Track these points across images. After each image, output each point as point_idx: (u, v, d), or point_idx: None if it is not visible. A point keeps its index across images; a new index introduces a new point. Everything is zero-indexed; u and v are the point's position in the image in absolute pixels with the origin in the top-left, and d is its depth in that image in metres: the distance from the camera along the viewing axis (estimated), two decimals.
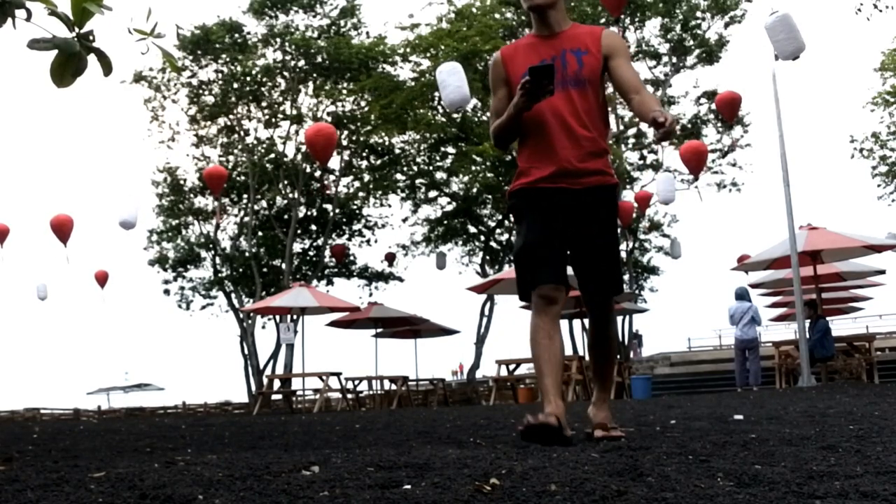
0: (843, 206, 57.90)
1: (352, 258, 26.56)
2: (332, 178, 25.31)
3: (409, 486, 1.76)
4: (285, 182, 24.97)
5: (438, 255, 23.26)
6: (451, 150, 23.89)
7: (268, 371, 23.36)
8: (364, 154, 25.46)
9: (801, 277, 11.57)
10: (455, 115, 21.86)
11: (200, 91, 24.68)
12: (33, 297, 22.14)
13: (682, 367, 22.08)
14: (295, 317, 16.51)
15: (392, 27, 26.21)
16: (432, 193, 25.52)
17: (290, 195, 25.07)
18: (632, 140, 24.30)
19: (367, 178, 25.49)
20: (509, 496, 1.65)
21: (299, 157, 24.62)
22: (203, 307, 26.51)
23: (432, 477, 1.88)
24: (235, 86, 24.34)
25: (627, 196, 22.16)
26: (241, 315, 24.43)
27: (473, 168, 22.45)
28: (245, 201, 25.58)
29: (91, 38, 2.58)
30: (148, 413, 21.76)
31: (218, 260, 26.00)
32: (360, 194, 25.88)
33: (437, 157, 24.52)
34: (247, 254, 25.33)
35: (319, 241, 26.19)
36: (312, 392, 16.71)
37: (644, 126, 19.14)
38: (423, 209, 25.85)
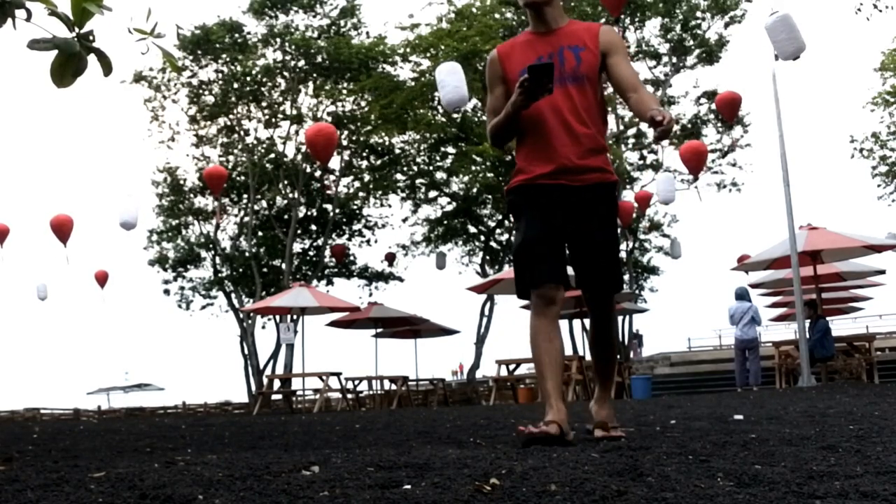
0: (843, 206, 57.96)
1: (352, 258, 26.57)
2: (332, 178, 25.32)
3: (409, 486, 1.76)
4: (285, 182, 24.97)
5: (438, 255, 23.26)
6: (451, 150, 23.90)
7: (268, 371, 23.37)
8: (364, 154, 25.47)
9: (801, 277, 11.57)
10: (455, 115, 21.86)
11: (200, 91, 24.69)
12: (33, 297, 22.16)
13: (682, 367, 22.08)
14: (295, 317, 16.51)
15: (392, 27, 26.24)
16: (432, 193, 25.53)
17: (290, 195, 25.07)
18: (632, 140, 24.31)
19: (367, 178, 25.50)
20: (509, 496, 1.65)
21: (299, 157, 24.63)
22: (203, 307, 26.54)
23: (432, 477, 1.88)
24: (235, 86, 24.35)
25: (627, 196, 22.16)
26: (241, 315, 24.43)
27: (473, 168, 22.46)
28: (245, 201, 25.59)
29: (91, 38, 2.59)
30: (148, 413, 21.75)
31: (218, 260, 26.01)
32: (361, 194, 25.89)
33: (437, 157, 24.53)
34: (247, 254, 25.33)
35: (319, 241, 26.19)
36: (312, 392, 16.72)
37: (644, 126, 19.14)
38: (423, 209, 25.88)
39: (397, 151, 24.62)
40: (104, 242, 40.56)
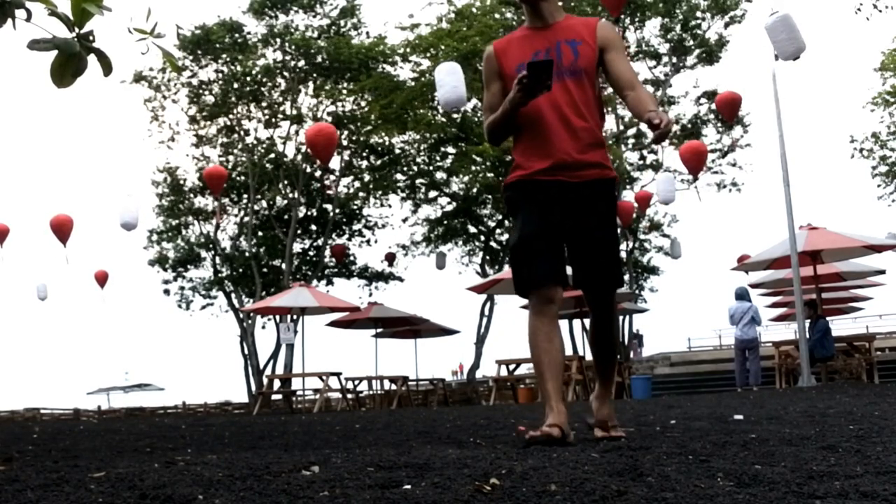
0: (843, 206, 57.96)
1: (352, 258, 26.57)
2: (332, 178, 25.33)
3: (409, 486, 1.76)
4: (285, 182, 24.97)
5: (438, 255, 23.26)
6: (451, 150, 23.90)
7: (268, 371, 23.37)
8: (364, 154, 25.47)
9: (801, 277, 11.57)
10: (455, 115, 21.86)
11: (200, 91, 24.69)
12: (33, 297, 22.16)
13: (682, 367, 22.08)
14: (295, 317, 16.51)
15: (392, 27, 26.24)
16: (432, 193, 25.53)
17: (290, 195, 25.08)
18: (631, 140, 24.31)
19: (367, 178, 25.50)
20: (509, 496, 1.65)
21: (299, 157, 24.63)
22: (203, 307, 26.54)
23: (432, 477, 1.88)
24: (235, 86, 24.36)
25: (627, 196, 22.16)
26: (241, 315, 24.43)
27: (473, 168, 22.47)
28: (245, 201, 25.59)
29: (91, 38, 2.59)
30: (148, 413, 21.75)
31: (218, 260, 26.01)
32: (361, 194, 25.89)
33: (437, 157, 24.53)
34: (247, 254, 25.33)
35: (319, 241, 26.20)
36: (312, 392, 16.72)
37: (644, 126, 19.13)
38: (423, 209, 25.88)
39: (397, 151, 24.63)
40: (104, 242, 40.59)
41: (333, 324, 17.73)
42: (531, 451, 2.56)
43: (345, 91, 24.30)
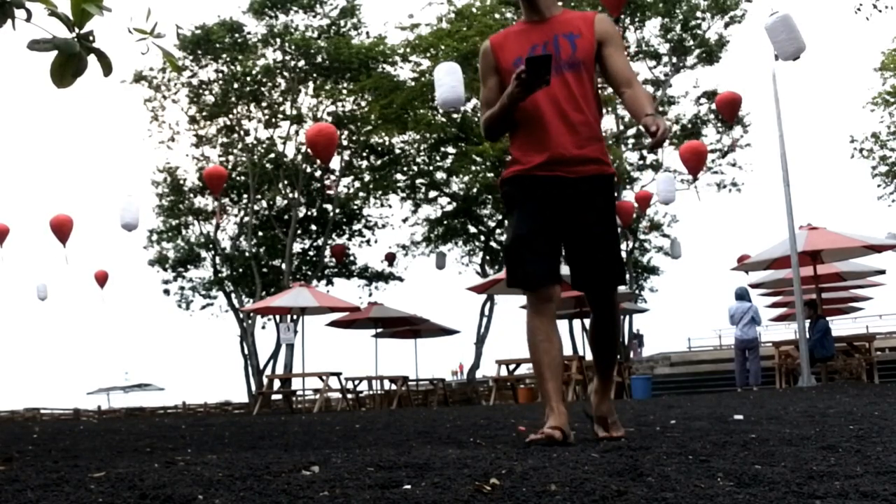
0: (843, 206, 57.96)
1: (352, 258, 26.57)
2: (333, 178, 25.33)
3: (409, 486, 1.76)
4: (285, 182, 24.97)
5: (438, 255, 23.26)
6: (451, 150, 23.90)
7: (268, 371, 23.37)
8: (364, 154, 25.47)
9: (801, 277, 11.57)
10: (455, 115, 21.86)
11: (200, 91, 24.69)
12: (33, 297, 22.17)
13: (682, 367, 22.08)
14: (295, 317, 16.51)
15: (392, 27, 26.26)
16: (432, 193, 25.53)
17: (290, 195, 25.08)
18: (631, 140, 24.31)
19: (367, 178, 25.50)
20: (509, 496, 1.65)
21: (299, 157, 24.63)
22: (203, 307, 26.54)
23: (432, 477, 1.88)
24: (235, 86, 24.36)
25: (627, 196, 22.16)
26: (241, 315, 24.43)
27: (473, 168, 22.46)
28: (245, 201, 25.60)
29: (91, 38, 2.59)
30: (148, 413, 21.75)
31: (218, 260, 26.01)
32: (361, 194, 25.89)
33: (437, 157, 24.53)
34: (247, 254, 25.34)
35: (319, 241, 26.20)
36: (312, 392, 16.72)
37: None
38: (423, 209, 25.88)
39: (397, 151, 24.63)
40: (104, 242, 40.61)
41: (333, 324, 17.73)
42: (531, 451, 2.56)
43: (345, 91, 24.30)
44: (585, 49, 3.07)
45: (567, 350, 18.98)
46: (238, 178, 25.19)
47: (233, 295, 25.59)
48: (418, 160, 24.83)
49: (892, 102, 25.67)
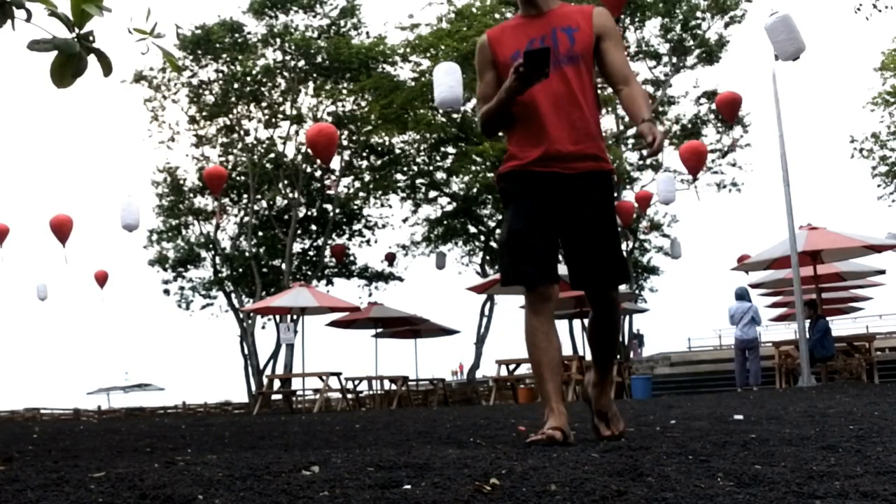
0: (843, 206, 57.94)
1: (352, 258, 26.58)
2: (333, 177, 25.33)
3: (409, 486, 1.76)
4: (285, 182, 24.98)
5: (438, 255, 23.27)
6: (451, 150, 23.90)
7: (268, 371, 23.37)
8: (364, 154, 25.47)
9: (801, 277, 11.57)
10: (455, 115, 21.87)
11: (200, 91, 24.69)
12: (33, 297, 22.18)
13: (682, 367, 22.08)
14: (295, 317, 16.51)
15: (392, 27, 26.25)
16: (432, 193, 25.53)
17: (290, 195, 25.08)
18: (631, 140, 24.31)
19: (367, 178, 25.51)
20: (509, 496, 1.65)
21: (299, 157, 24.64)
22: (203, 307, 26.55)
23: (432, 477, 1.88)
24: (235, 86, 24.36)
25: (627, 196, 22.17)
26: (241, 315, 24.43)
27: (473, 168, 22.47)
28: (245, 201, 25.60)
29: (91, 38, 2.59)
30: (148, 413, 21.75)
31: (218, 260, 26.01)
32: (361, 194, 25.90)
33: (437, 157, 24.53)
34: (247, 254, 25.34)
35: (319, 241, 26.20)
36: (312, 392, 16.72)
37: None
38: (423, 209, 25.89)
39: (397, 151, 24.63)
40: (104, 242, 40.61)
41: (333, 324, 17.73)
42: (531, 451, 2.56)
43: (345, 91, 24.30)
44: (584, 43, 3.04)
45: (567, 350, 18.98)
46: (238, 178, 25.19)
47: (233, 295, 25.59)
48: (418, 160, 24.83)
49: (892, 102, 25.67)
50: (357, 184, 25.91)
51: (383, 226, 26.80)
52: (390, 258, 26.11)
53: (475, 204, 24.75)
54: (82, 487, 1.83)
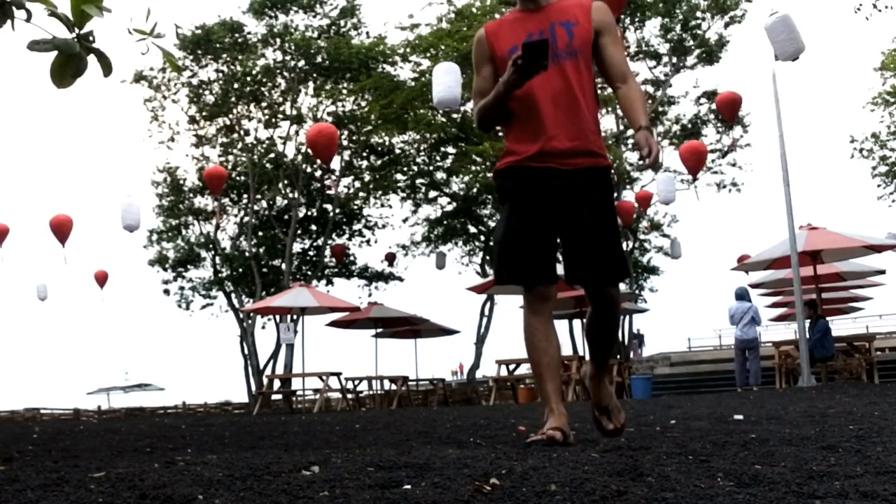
0: (843, 206, 57.92)
1: (352, 258, 26.58)
2: (334, 177, 25.33)
3: (409, 486, 1.76)
4: (285, 182, 24.98)
5: (438, 255, 23.28)
6: (451, 150, 23.90)
7: (268, 371, 23.37)
8: (364, 154, 25.48)
9: (801, 277, 11.57)
10: (455, 115, 21.87)
11: (200, 91, 24.70)
12: (33, 297, 22.18)
13: (682, 367, 22.08)
14: (295, 317, 16.52)
15: (392, 27, 26.23)
16: (432, 193, 25.54)
17: (290, 195, 25.08)
18: (631, 141, 24.29)
19: (367, 178, 25.51)
20: (509, 496, 1.65)
21: (299, 157, 24.64)
22: (203, 307, 26.55)
23: (432, 477, 1.88)
24: (235, 86, 24.36)
25: (628, 196, 22.17)
26: (241, 315, 24.44)
27: (473, 168, 22.47)
28: (245, 201, 25.60)
29: (91, 38, 2.59)
30: (148, 413, 21.76)
31: (218, 260, 26.01)
32: (361, 194, 25.90)
33: (437, 157, 24.53)
34: (247, 254, 25.34)
35: (319, 241, 26.20)
36: (312, 392, 16.72)
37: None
38: (423, 209, 25.89)
39: (397, 151, 24.63)
40: (104, 242, 40.62)
41: (333, 324, 17.73)
42: (531, 451, 2.56)
43: (345, 91, 24.30)
44: (582, 37, 3.00)
45: (567, 350, 18.98)
46: (238, 178, 25.20)
47: (233, 295, 25.60)
48: (418, 160, 24.83)
49: (892, 102, 25.67)
50: (357, 184, 25.93)
51: (383, 226, 26.83)
52: (390, 258, 26.12)
53: (475, 204, 24.76)
54: (82, 487, 1.83)
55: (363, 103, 24.46)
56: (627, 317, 22.55)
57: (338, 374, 14.46)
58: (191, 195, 25.89)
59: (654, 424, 4.07)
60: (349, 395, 15.02)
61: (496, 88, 2.97)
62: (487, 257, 25.48)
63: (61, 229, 18.05)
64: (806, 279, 12.39)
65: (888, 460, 2.14)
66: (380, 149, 24.85)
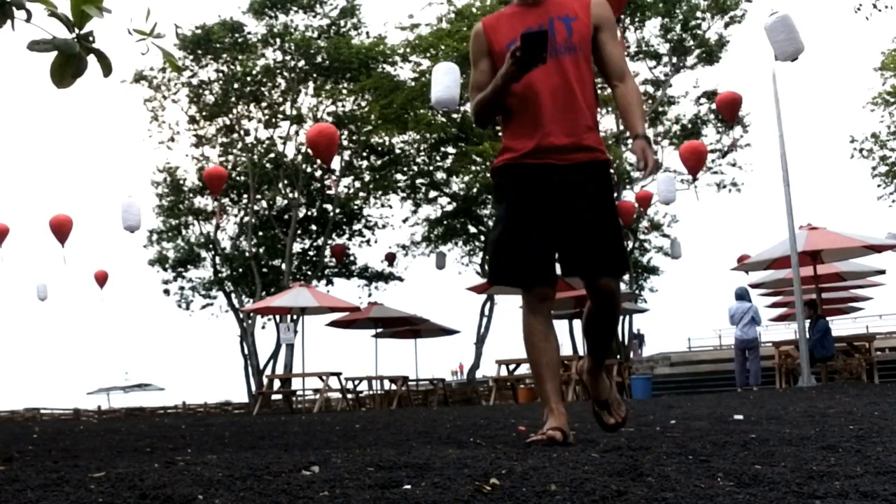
0: (843, 206, 57.92)
1: (352, 258, 26.58)
2: (334, 177, 25.34)
3: (409, 486, 1.76)
4: (285, 182, 24.98)
5: (438, 255, 23.28)
6: (451, 150, 23.90)
7: (268, 371, 23.37)
8: (364, 154, 25.48)
9: (801, 277, 11.57)
10: (455, 115, 21.87)
11: (200, 91, 24.70)
12: (33, 297, 22.18)
13: (682, 367, 22.08)
14: (295, 317, 16.51)
15: (392, 27, 26.25)
16: (432, 193, 25.54)
17: (290, 195, 25.09)
18: (631, 141, 24.28)
19: (367, 178, 25.52)
20: (509, 496, 1.65)
21: (299, 157, 24.64)
22: (203, 307, 26.56)
23: (432, 477, 1.88)
24: (235, 86, 24.37)
25: (628, 196, 22.17)
26: (241, 315, 24.44)
27: (473, 168, 22.47)
28: (245, 201, 25.61)
29: (91, 39, 2.59)
30: (148, 413, 21.76)
31: (218, 260, 26.02)
32: (361, 194, 25.91)
33: (437, 157, 24.53)
34: (247, 254, 25.34)
35: (319, 241, 26.21)
36: (312, 392, 16.72)
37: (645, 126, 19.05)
38: (423, 209, 25.89)
39: (397, 151, 24.64)
40: (104, 242, 40.62)
41: (333, 324, 17.73)
42: (531, 451, 2.56)
43: (345, 91, 24.30)
44: (582, 32, 2.98)
45: (567, 350, 18.98)
46: (238, 178, 25.20)
47: (233, 295, 25.60)
48: (418, 160, 24.83)
49: (892, 102, 25.67)
50: (357, 184, 25.93)
51: (383, 226, 26.83)
52: (390, 258, 26.12)
53: (475, 204, 24.76)
54: (82, 487, 1.83)
55: (363, 103, 24.47)
56: (627, 317, 22.55)
57: (338, 374, 14.46)
58: (191, 195, 25.90)
59: (654, 424, 4.07)
60: (349, 395, 15.02)
61: (494, 82, 2.93)
62: (487, 257, 25.46)
63: (61, 229, 18.05)
64: (806, 279, 12.39)
65: (888, 460, 2.14)
66: (380, 149, 24.85)
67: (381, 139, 24.36)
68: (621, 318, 21.34)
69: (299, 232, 25.65)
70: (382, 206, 26.28)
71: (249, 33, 24.67)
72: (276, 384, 17.54)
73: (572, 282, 14.07)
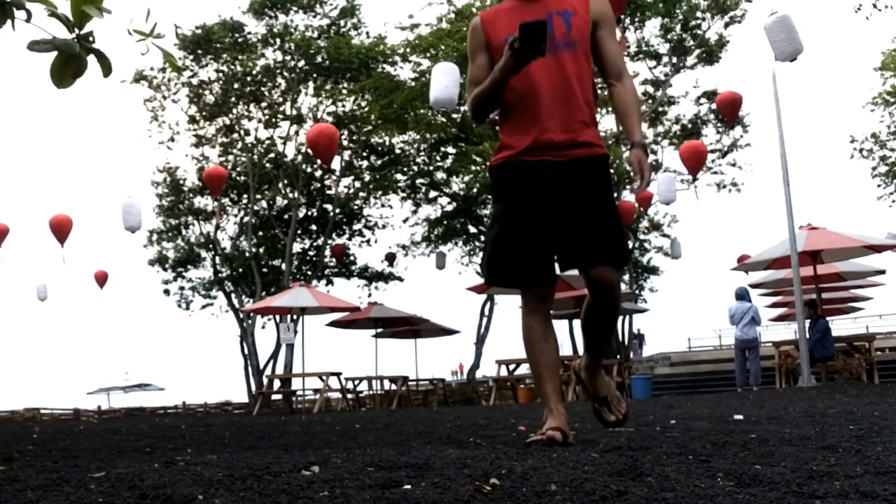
0: (843, 206, 57.87)
1: (352, 258, 26.59)
2: (334, 177, 25.35)
3: (409, 486, 1.76)
4: (285, 182, 24.98)
5: (438, 255, 23.28)
6: (451, 150, 23.91)
7: (268, 371, 23.38)
8: (364, 154, 25.49)
9: (801, 277, 11.57)
10: (455, 115, 21.87)
11: (200, 91, 24.71)
12: (33, 298, 22.19)
13: (682, 367, 22.07)
14: (295, 317, 16.52)
15: (392, 27, 26.27)
16: (432, 193, 25.54)
17: (290, 195, 25.09)
18: (629, 149, 24.25)
19: (367, 178, 25.53)
20: (509, 496, 1.65)
21: (299, 157, 24.64)
22: (203, 307, 26.56)
23: (432, 477, 1.88)
24: (235, 86, 24.37)
25: (628, 196, 22.17)
26: (241, 315, 24.45)
27: (473, 168, 22.48)
28: (245, 201, 25.61)
29: (91, 39, 2.59)
30: (148, 413, 21.76)
31: (218, 260, 26.02)
32: (361, 194, 25.91)
33: (437, 157, 24.54)
34: (247, 254, 25.35)
35: (319, 241, 26.21)
36: (312, 392, 16.72)
37: (644, 126, 19.06)
38: (423, 209, 25.89)
39: (397, 151, 24.64)
40: (104, 242, 40.62)
41: (333, 324, 17.73)
42: (531, 451, 2.56)
43: (345, 91, 24.31)
44: (580, 28, 2.95)
45: (566, 350, 18.99)
46: (238, 178, 25.21)
47: (233, 295, 25.61)
48: (418, 160, 24.84)
49: (892, 102, 25.67)
50: (357, 184, 25.94)
51: (383, 226, 26.85)
52: (390, 258, 26.12)
53: (475, 204, 24.76)
54: (82, 487, 1.83)
55: (363, 103, 24.48)
56: (627, 317, 22.55)
57: (338, 374, 14.46)
58: (191, 195, 25.91)
59: (654, 424, 4.06)
60: (349, 395, 15.02)
61: (492, 75, 2.90)
62: (483, 256, 25.44)
63: (61, 229, 18.05)
64: (806, 279, 12.39)
65: (888, 460, 2.13)
66: (380, 149, 24.86)
67: (381, 139, 24.37)
68: (621, 318, 21.36)
69: (299, 232, 25.65)
70: (382, 206, 26.33)
71: (249, 33, 24.69)
72: (276, 384, 17.54)
73: (572, 282, 14.09)
